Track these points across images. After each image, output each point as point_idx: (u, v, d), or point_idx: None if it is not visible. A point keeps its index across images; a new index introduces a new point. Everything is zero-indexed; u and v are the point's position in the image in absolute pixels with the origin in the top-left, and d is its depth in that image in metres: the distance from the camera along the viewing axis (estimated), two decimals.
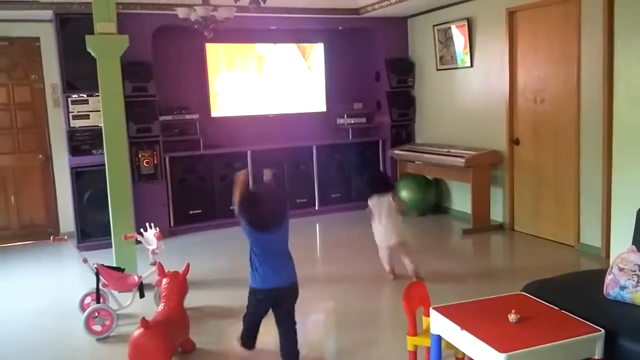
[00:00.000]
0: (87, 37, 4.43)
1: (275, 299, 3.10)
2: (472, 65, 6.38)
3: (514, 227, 6.00)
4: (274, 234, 3.03)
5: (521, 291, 2.91)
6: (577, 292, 2.95)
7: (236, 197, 3.12)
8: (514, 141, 5.89)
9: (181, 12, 5.14)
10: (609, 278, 2.80)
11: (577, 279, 3.29)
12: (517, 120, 5.85)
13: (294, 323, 3.16)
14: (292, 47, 7.30)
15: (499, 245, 5.90)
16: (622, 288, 2.73)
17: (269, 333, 3.27)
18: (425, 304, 2.89)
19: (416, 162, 6.97)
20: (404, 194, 6.83)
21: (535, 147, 5.66)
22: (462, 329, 2.37)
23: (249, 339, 3.26)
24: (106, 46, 4.46)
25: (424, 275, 4.41)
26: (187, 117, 6.59)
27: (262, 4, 4.01)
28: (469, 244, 5.86)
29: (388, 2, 6.40)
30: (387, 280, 4.60)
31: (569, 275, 3.41)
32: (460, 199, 6.75)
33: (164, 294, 3.40)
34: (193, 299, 4.08)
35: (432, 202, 6.94)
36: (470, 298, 2.84)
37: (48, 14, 5.75)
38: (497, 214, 6.14)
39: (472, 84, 6.43)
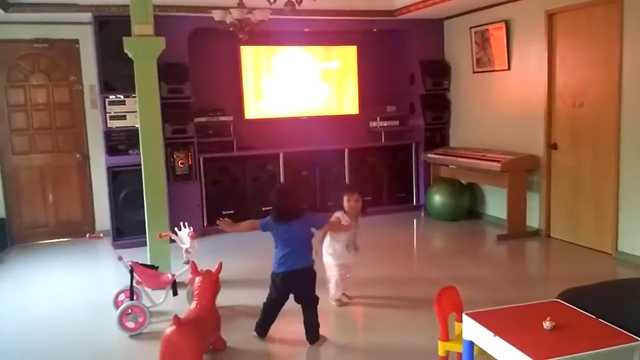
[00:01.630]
0: (125, 39, 4.52)
1: (288, 282, 3.50)
2: (509, 68, 6.27)
3: (550, 233, 5.86)
4: (293, 225, 3.48)
5: (556, 298, 2.84)
6: (614, 300, 2.85)
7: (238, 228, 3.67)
8: (551, 146, 5.76)
9: (217, 15, 5.20)
10: None
11: (615, 287, 3.18)
12: (555, 124, 5.72)
13: (313, 300, 3.56)
14: (326, 49, 7.30)
15: (534, 251, 5.78)
16: None
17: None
18: (457, 309, 2.84)
19: (450, 166, 6.88)
20: (437, 198, 6.75)
21: (574, 152, 5.52)
22: (495, 335, 2.32)
23: (261, 325, 3.62)
24: (143, 48, 4.54)
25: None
26: (222, 118, 6.67)
27: (297, 7, 4.01)
28: (503, 249, 5.75)
29: (424, 4, 6.34)
30: (420, 284, 4.55)
31: (607, 283, 3.30)
32: (495, 204, 6.63)
33: (196, 292, 3.43)
34: (225, 298, 4.11)
35: (466, 207, 6.84)
36: (504, 305, 2.78)
37: (87, 16, 5.89)
38: (533, 220, 6.00)
39: (509, 87, 6.32)
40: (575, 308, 2.62)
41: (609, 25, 4.98)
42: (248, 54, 6.90)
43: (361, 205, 4.15)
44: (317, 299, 3.59)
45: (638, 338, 2.27)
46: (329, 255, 4.15)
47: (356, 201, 4.11)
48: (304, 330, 3.56)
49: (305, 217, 3.57)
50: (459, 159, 6.57)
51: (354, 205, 4.11)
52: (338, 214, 4.11)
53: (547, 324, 2.35)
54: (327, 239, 4.14)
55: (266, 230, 3.55)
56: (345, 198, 4.13)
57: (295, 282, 3.53)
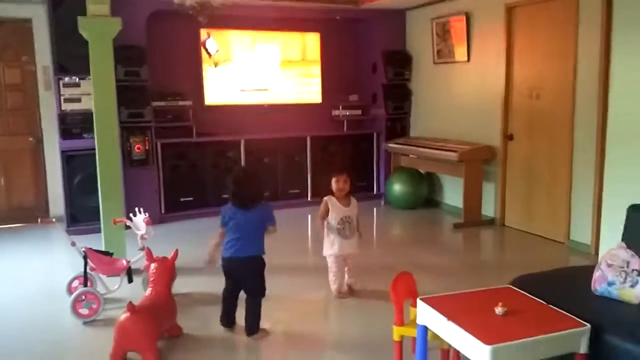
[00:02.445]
0: (80, 19, 4.38)
1: (233, 268, 3.41)
2: (469, 60, 6.36)
3: (505, 222, 6.01)
4: (250, 211, 3.37)
5: (509, 285, 2.91)
6: (564, 287, 2.95)
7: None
8: (507, 136, 5.89)
9: None
10: (597, 274, 2.79)
11: (565, 275, 3.30)
12: (512, 115, 5.84)
13: (257, 291, 3.44)
14: (289, 35, 7.24)
15: (489, 240, 5.91)
16: (610, 284, 2.73)
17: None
18: (412, 295, 2.88)
19: (410, 156, 6.96)
20: (397, 187, 6.82)
21: (529, 143, 5.66)
22: (448, 320, 2.36)
23: (224, 316, 3.54)
24: (98, 28, 4.41)
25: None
26: (181, 103, 6.53)
27: None
28: (459, 237, 5.87)
29: None
30: (377, 270, 4.60)
31: (557, 271, 3.42)
32: (452, 194, 6.75)
33: (151, 279, 3.38)
34: (181, 285, 4.07)
35: (424, 195, 6.95)
36: (459, 291, 2.83)
37: None
38: (489, 209, 6.14)
39: (468, 78, 6.42)
40: (527, 294, 2.70)
41: (566, 20, 5.10)
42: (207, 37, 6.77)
43: (349, 186, 4.03)
44: (262, 291, 3.47)
45: (586, 323, 2.35)
46: (324, 244, 4.08)
47: (344, 182, 4.00)
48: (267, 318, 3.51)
49: (263, 207, 3.44)
50: (419, 149, 6.66)
51: (342, 187, 4.00)
52: (326, 198, 4.04)
53: (499, 309, 2.41)
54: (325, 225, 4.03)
55: (227, 224, 3.39)
56: (333, 180, 4.02)
57: (240, 270, 3.41)
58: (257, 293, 3.45)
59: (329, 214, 4.03)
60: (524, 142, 5.72)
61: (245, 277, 3.44)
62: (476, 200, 6.09)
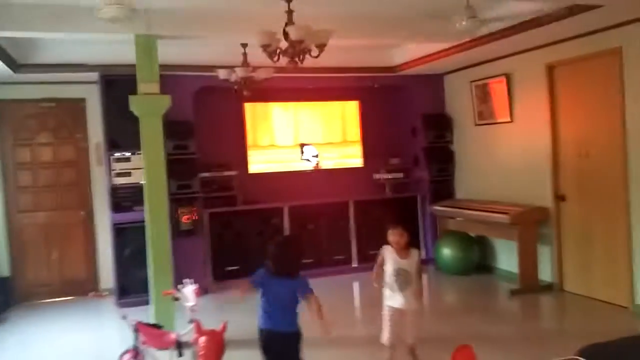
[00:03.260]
0: (131, 97, 4.57)
1: (276, 343, 3.21)
2: (512, 120, 6.30)
3: (564, 287, 5.73)
4: (287, 281, 3.21)
5: (576, 356, 2.72)
6: (636, 357, 2.74)
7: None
8: (559, 197, 5.71)
9: (222, 74, 5.31)
10: None
11: (636, 343, 3.07)
12: (562, 175, 5.70)
13: None
14: (329, 104, 7.38)
15: (548, 306, 5.64)
16: None
17: None
18: None
19: (457, 219, 6.82)
20: (447, 252, 6.64)
21: (582, 203, 5.47)
22: None
23: None
24: (149, 106, 4.59)
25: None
26: (226, 173, 6.67)
27: (299, 65, 4.08)
28: (516, 305, 5.61)
29: (423, 60, 6.46)
30: (433, 341, 4.40)
31: (627, 339, 3.18)
32: (506, 258, 6.51)
33: (201, 352, 3.33)
34: (231, 359, 3.98)
35: (476, 260, 6.72)
36: None
37: (94, 75, 6.00)
38: (546, 273, 5.88)
39: (513, 138, 6.34)
40: None
41: (609, 77, 5.04)
42: (252, 110, 6.97)
43: (406, 240, 3.95)
44: None
45: None
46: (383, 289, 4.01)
47: (400, 235, 3.94)
48: None
49: (301, 279, 3.28)
50: (466, 211, 6.52)
51: (396, 240, 3.94)
52: (383, 247, 4.00)
53: None
54: None
55: (259, 287, 3.25)
56: (389, 232, 3.99)
57: (280, 345, 3.22)
58: None
59: (385, 264, 3.96)
60: (577, 201, 5.54)
61: (285, 353, 3.24)
62: (532, 265, 5.84)
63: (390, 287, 3.92)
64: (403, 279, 3.89)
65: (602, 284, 5.29)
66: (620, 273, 5.06)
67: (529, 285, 5.79)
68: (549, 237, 5.84)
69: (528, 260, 5.83)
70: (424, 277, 6.80)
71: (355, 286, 6.57)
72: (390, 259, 3.94)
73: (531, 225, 5.84)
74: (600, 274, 5.30)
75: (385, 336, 3.95)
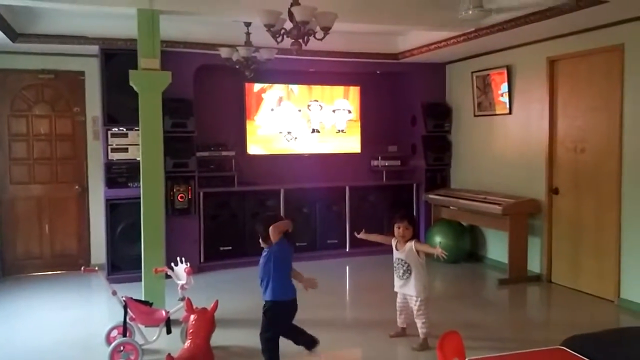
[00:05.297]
0: (131, 72, 4.54)
1: (294, 310, 3.62)
2: (510, 113, 6.31)
3: (552, 279, 5.79)
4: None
5: (560, 345, 2.76)
6: (619, 348, 2.77)
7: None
8: (553, 190, 5.74)
9: (224, 52, 5.28)
10: None
11: (620, 335, 3.10)
12: (557, 169, 5.72)
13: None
14: (330, 89, 7.36)
15: (535, 297, 5.70)
16: None
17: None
18: (460, 355, 2.75)
19: (451, 208, 6.85)
20: (438, 239, 6.68)
21: (575, 197, 5.50)
22: None
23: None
24: (149, 81, 4.56)
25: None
26: (224, 153, 6.66)
27: (303, 47, 4.06)
28: (505, 294, 5.67)
29: (427, 48, 6.43)
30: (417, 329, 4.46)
31: (611, 331, 3.23)
32: (496, 248, 6.57)
33: (190, 330, 3.34)
34: (220, 338, 4.00)
35: (467, 249, 6.78)
36: (507, 351, 2.71)
37: (94, 49, 5.95)
38: (535, 264, 5.94)
39: (510, 131, 6.35)
40: (580, 356, 2.55)
41: (610, 73, 5.04)
42: (253, 90, 6.95)
43: (411, 233, 4.09)
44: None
45: None
46: None
47: (405, 229, 4.09)
48: None
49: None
50: (460, 201, 6.55)
51: (402, 234, 4.10)
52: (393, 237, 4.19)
53: None
54: None
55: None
56: (395, 225, 4.14)
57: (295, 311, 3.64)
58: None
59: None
60: (570, 196, 5.57)
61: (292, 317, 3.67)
62: (522, 256, 5.89)
63: (395, 274, 4.18)
64: (402, 269, 4.11)
65: (589, 277, 5.34)
66: (608, 268, 5.11)
67: (517, 275, 5.85)
68: (540, 229, 5.88)
69: (518, 251, 5.88)
70: None
71: (348, 270, 6.60)
72: (394, 248, 4.17)
73: (523, 216, 5.88)
74: (589, 267, 5.35)
75: (399, 321, 4.24)
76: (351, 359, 4.11)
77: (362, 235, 4.27)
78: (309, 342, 3.66)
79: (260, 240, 3.55)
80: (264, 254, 3.56)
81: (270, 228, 3.42)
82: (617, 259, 5.00)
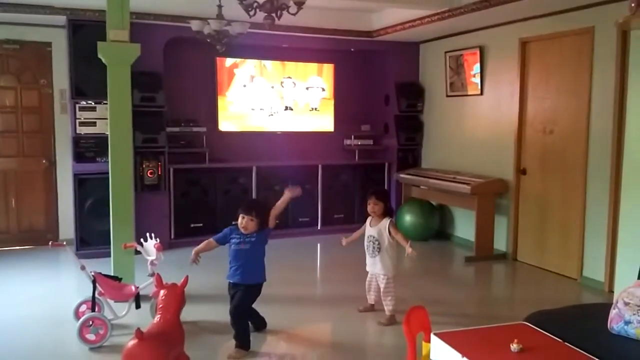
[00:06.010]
0: (99, 44, 4.44)
1: None
2: (482, 93, 6.37)
3: (517, 257, 5.94)
4: None
5: (523, 321, 2.85)
6: (580, 324, 2.88)
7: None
8: (520, 171, 5.85)
9: (195, 25, 5.18)
10: (613, 312, 2.73)
11: (581, 312, 3.22)
12: (525, 150, 5.82)
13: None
14: (304, 65, 7.31)
15: (500, 274, 5.83)
16: (627, 323, 2.66)
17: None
18: (426, 329, 2.83)
19: (421, 187, 6.93)
20: (408, 218, 6.78)
21: (542, 178, 5.62)
22: (463, 357, 2.31)
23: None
24: (117, 54, 4.46)
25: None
26: (195, 129, 6.58)
27: (276, 21, 4.01)
28: (471, 271, 5.80)
29: (402, 27, 6.43)
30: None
31: (573, 308, 3.34)
32: (464, 226, 6.69)
33: (160, 305, 3.32)
34: (190, 313, 4.01)
35: (436, 227, 6.89)
36: (472, 326, 2.78)
37: (61, 19, 5.79)
38: (501, 243, 6.08)
39: (481, 112, 6.42)
40: (542, 331, 2.64)
41: (581, 56, 5.12)
42: (224, 65, 6.86)
43: (381, 209, 4.15)
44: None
45: None
46: None
47: (374, 204, 4.17)
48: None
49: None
50: (430, 180, 6.63)
51: (371, 208, 4.18)
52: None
53: (514, 347, 2.36)
54: None
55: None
56: (367, 203, 4.23)
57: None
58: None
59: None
60: (537, 176, 5.69)
61: None
62: (488, 234, 6.02)
63: (366, 253, 4.22)
64: (373, 246, 4.15)
65: (553, 255, 5.49)
66: (572, 247, 5.26)
67: (484, 253, 5.99)
68: (507, 209, 6.00)
69: (485, 230, 6.00)
70: None
71: (319, 248, 6.65)
72: (366, 227, 4.23)
73: (490, 196, 5.99)
74: (553, 246, 5.50)
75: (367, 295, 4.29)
76: (320, 333, 4.16)
77: (346, 242, 4.33)
78: (260, 323, 3.90)
79: (252, 226, 3.60)
80: (249, 239, 3.62)
81: (271, 213, 3.71)
82: (581, 238, 5.14)
